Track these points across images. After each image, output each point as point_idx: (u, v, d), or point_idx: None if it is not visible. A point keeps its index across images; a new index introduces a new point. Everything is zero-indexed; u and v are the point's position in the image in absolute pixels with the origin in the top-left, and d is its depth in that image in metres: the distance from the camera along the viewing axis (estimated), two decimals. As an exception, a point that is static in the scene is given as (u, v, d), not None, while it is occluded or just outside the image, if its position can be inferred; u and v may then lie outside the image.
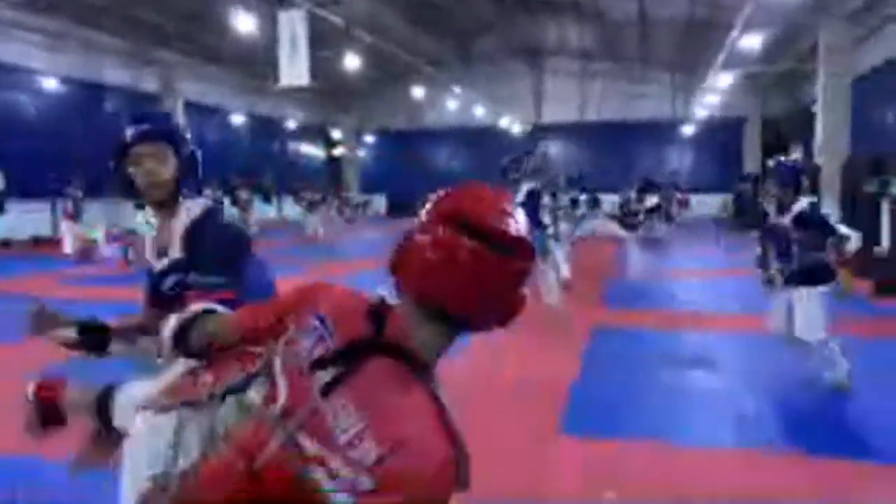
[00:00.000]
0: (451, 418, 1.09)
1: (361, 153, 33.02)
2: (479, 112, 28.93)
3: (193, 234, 1.97)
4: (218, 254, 1.91)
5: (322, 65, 21.39)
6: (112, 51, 19.19)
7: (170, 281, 1.96)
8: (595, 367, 5.28)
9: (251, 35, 14.16)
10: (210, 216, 2.02)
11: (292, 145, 29.81)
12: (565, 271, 7.43)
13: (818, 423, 4.02)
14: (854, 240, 4.34)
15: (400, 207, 31.26)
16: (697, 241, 16.52)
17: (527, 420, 4.03)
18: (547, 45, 28.54)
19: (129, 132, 2.05)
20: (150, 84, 20.66)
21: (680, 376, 5.13)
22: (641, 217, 15.67)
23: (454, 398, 1.12)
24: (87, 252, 12.16)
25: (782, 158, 5.00)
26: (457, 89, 25.52)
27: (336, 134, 31.97)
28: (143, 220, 2.19)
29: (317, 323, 1.16)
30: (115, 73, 19.66)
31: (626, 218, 15.76)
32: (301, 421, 1.05)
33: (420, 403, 1.07)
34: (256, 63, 21.86)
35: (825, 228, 4.34)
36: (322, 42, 18.11)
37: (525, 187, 6.91)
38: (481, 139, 30.10)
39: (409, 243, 1.16)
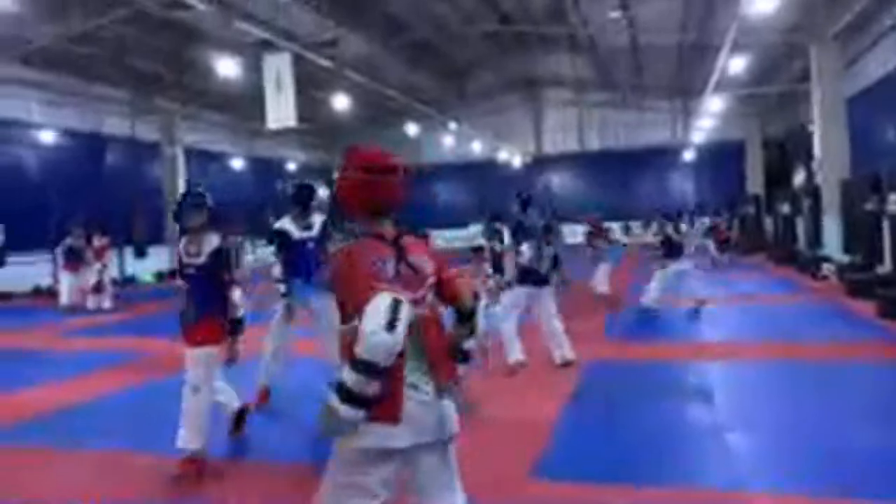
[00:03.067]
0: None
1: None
2: (478, 146, 29.04)
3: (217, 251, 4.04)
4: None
5: (317, 106, 21.66)
6: (111, 101, 19.45)
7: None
8: (584, 403, 5.06)
9: (242, 79, 14.33)
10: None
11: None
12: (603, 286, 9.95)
13: (816, 459, 3.78)
14: None
15: (403, 243, 31.31)
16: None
17: (498, 461, 3.81)
18: (543, 77, 28.75)
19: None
20: (149, 133, 20.87)
21: (675, 412, 4.90)
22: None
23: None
24: (75, 306, 12.12)
25: None
26: (453, 125, 25.65)
27: (337, 174, 32.07)
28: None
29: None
30: (114, 124, 19.87)
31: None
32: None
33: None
34: (251, 107, 22.14)
35: None
36: (315, 83, 18.35)
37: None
38: (481, 173, 30.16)
39: (343, 183, 2.25)
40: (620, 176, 28.68)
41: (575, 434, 4.37)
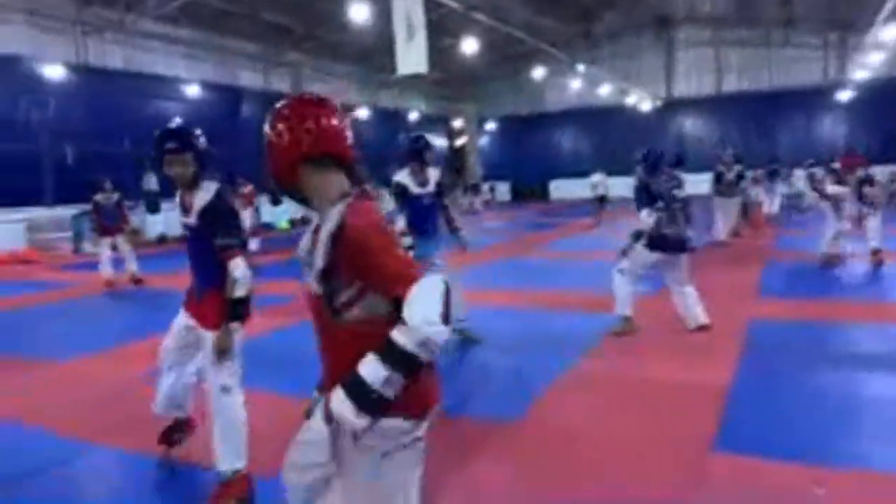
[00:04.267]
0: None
1: (483, 140, 32.76)
2: (605, 91, 27.65)
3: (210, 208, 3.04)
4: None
5: (441, 54, 21.39)
6: (246, 55, 20.23)
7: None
8: (754, 369, 4.58)
9: (369, 29, 14.26)
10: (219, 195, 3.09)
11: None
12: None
13: None
14: None
15: (524, 193, 30.79)
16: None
17: (673, 433, 3.49)
18: (676, 16, 26.74)
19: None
20: (280, 84, 21.58)
21: (861, 381, 4.32)
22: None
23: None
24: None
25: None
26: (580, 68, 24.44)
27: (458, 123, 31.86)
28: None
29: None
30: (248, 76, 20.74)
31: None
32: None
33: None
34: (377, 57, 22.21)
35: None
36: (440, 30, 18.02)
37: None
38: (607, 119, 28.81)
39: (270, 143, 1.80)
40: (762, 120, 26.29)
41: (750, 403, 3.93)
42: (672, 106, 28.36)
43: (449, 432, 3.60)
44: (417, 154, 5.06)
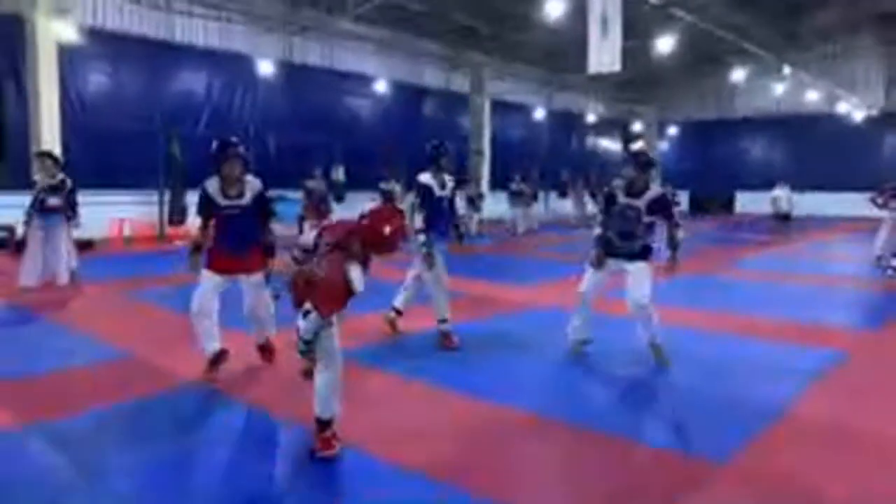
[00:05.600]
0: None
1: (663, 146, 31.09)
2: (808, 97, 24.96)
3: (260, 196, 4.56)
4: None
5: (624, 54, 20.45)
6: (430, 54, 20.84)
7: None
8: None
9: (553, 28, 13.90)
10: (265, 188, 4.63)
11: (590, 139, 29.31)
12: None
13: None
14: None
15: (704, 204, 28.74)
16: None
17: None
18: (906, 12, 23.34)
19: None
20: (461, 85, 21.99)
21: None
22: None
23: None
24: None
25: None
26: (787, 70, 22.19)
27: (637, 126, 30.51)
28: None
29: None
30: (431, 75, 21.37)
31: None
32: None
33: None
34: (558, 57, 21.80)
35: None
36: (625, 29, 17.21)
37: None
38: (809, 128, 26.04)
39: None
40: None
41: None
42: (892, 116, 24.91)
43: (649, 464, 3.27)
44: (435, 159, 5.55)
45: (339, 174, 17.18)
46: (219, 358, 4.51)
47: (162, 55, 15.00)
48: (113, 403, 4.01)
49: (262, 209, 4.55)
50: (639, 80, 26.02)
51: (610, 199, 5.08)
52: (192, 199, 14.12)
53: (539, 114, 25.41)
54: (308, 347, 3.17)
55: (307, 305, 3.04)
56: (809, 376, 4.81)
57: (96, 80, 14.13)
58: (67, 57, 13.14)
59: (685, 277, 9.76)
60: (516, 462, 3.33)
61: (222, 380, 4.46)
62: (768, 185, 18.21)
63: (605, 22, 8.94)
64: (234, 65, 16.22)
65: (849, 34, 24.71)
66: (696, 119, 29.52)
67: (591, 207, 18.89)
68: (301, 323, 3.06)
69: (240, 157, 4.41)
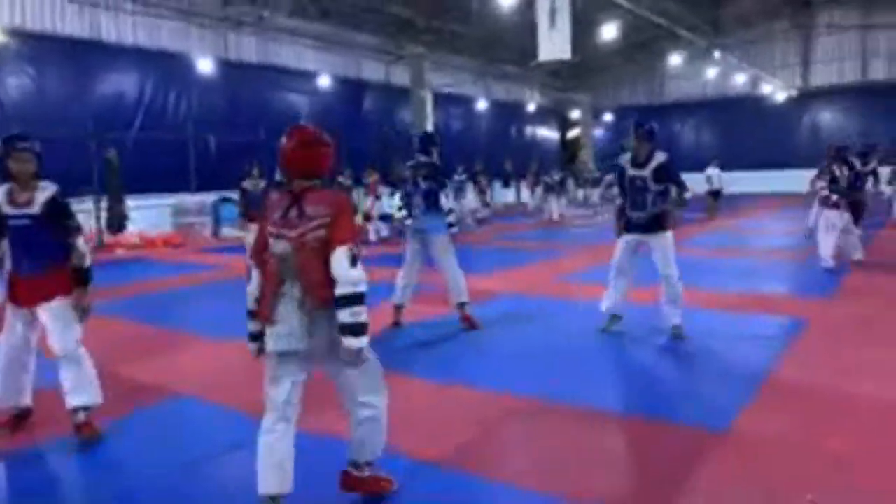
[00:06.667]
0: None
1: (598, 132, 31.86)
2: (733, 81, 26.12)
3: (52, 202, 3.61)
4: None
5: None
6: (368, 48, 20.65)
7: None
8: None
9: (493, 17, 14.00)
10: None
11: (529, 129, 29.74)
12: None
13: None
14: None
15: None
16: None
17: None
18: (819, -2, 24.80)
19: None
20: (401, 78, 21.89)
21: None
22: None
23: None
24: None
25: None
26: (716, 55, 23.09)
27: (574, 114, 31.15)
28: None
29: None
30: (371, 70, 21.18)
31: None
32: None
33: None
34: (496, 47, 22.02)
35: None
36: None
37: None
38: (735, 111, 27.25)
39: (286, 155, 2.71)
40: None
41: None
42: (808, 96, 26.34)
43: (656, 438, 3.38)
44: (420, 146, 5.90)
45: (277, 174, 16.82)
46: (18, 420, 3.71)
47: (90, 55, 14.31)
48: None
49: (57, 219, 3.58)
50: (574, 69, 26.57)
51: (621, 173, 5.22)
52: (131, 203, 13.84)
53: (481, 105, 25.59)
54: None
55: (345, 250, 2.47)
56: (778, 343, 5.07)
57: (19, 83, 13.34)
58: (-14, 60, 12.38)
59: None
60: (519, 444, 3.38)
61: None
62: (700, 165, 19.02)
63: (553, 11, 9.09)
64: (168, 63, 15.63)
65: (767, 20, 25.99)
66: (629, 105, 30.38)
67: (539, 195, 19.22)
68: (354, 273, 2.45)
69: (31, 152, 3.58)
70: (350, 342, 2.44)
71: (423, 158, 5.75)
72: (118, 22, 14.84)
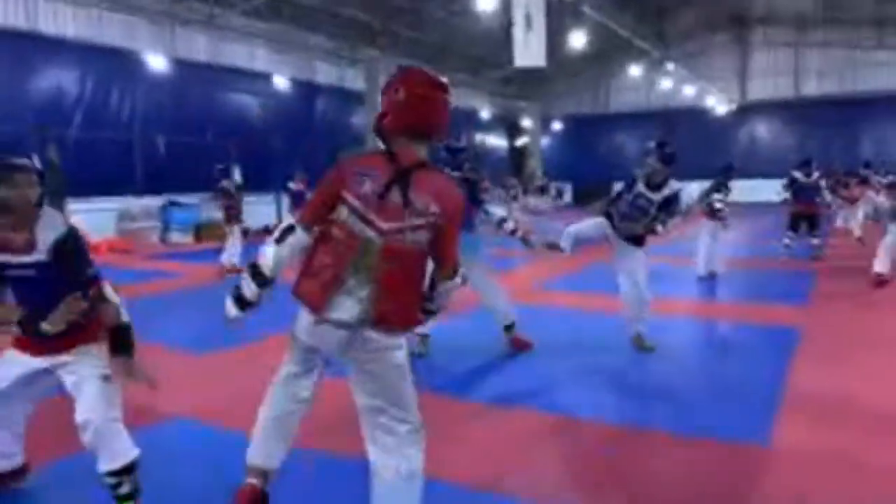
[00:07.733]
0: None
1: (546, 141, 32.25)
2: (677, 92, 26.95)
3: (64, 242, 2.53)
4: None
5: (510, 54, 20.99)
6: (322, 50, 20.19)
7: None
8: None
9: (447, 25, 13.89)
10: None
11: (479, 136, 29.79)
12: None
13: None
14: None
15: (587, 195, 30.11)
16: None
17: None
18: (754, 15, 25.91)
19: None
20: (354, 81, 21.49)
21: None
22: None
23: None
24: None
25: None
26: (671, 66, 23.76)
27: (524, 122, 31.40)
28: None
29: (360, 177, 2.03)
30: (324, 72, 20.72)
31: None
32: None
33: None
34: (449, 55, 21.93)
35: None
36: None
37: None
38: (680, 122, 28.08)
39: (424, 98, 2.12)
40: (845, 127, 25.18)
41: None
42: (746, 109, 27.44)
43: (701, 457, 3.24)
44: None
45: (235, 175, 16.14)
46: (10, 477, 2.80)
47: (27, 48, 13.35)
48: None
49: (72, 268, 2.50)
50: (524, 77, 26.80)
51: (629, 184, 5.09)
52: (73, 207, 12.92)
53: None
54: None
55: (454, 279, 2.16)
56: (784, 351, 5.07)
57: (-53, 76, 12.33)
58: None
59: (603, 266, 10.14)
60: (553, 462, 3.19)
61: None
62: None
63: (528, 16, 9.03)
64: (111, 59, 14.75)
65: (708, 34, 26.98)
66: (576, 114, 30.86)
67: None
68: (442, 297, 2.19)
69: (30, 172, 2.48)
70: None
71: (454, 174, 4.76)
72: (56, 12, 13.92)
